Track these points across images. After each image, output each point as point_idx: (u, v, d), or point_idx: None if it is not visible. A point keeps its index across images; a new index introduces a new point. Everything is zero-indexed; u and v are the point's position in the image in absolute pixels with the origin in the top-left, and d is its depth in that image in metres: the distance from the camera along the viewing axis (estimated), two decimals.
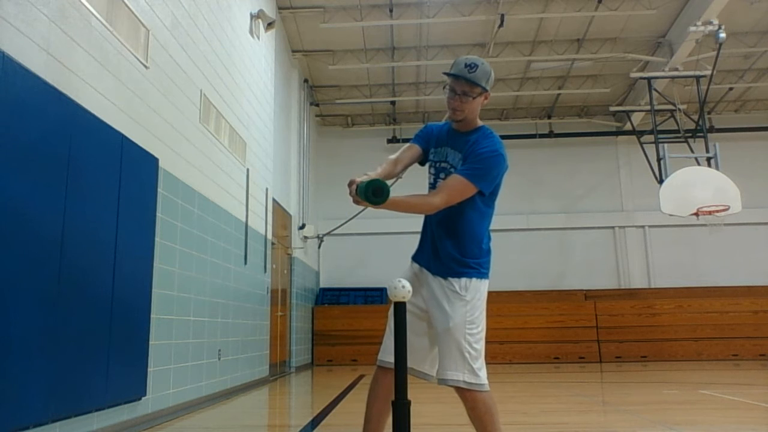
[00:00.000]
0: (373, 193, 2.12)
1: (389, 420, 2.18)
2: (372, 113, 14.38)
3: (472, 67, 2.38)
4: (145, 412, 4.52)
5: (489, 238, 2.52)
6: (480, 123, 2.53)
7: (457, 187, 2.37)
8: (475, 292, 2.41)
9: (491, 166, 2.41)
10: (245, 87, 7.64)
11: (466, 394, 2.35)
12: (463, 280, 2.41)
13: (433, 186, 2.58)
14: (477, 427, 2.39)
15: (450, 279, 2.42)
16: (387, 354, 2.45)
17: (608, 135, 14.27)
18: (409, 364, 2.34)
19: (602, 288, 13.39)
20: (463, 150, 2.46)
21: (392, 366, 2.37)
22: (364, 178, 2.19)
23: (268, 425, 5.07)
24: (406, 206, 2.35)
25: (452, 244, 2.44)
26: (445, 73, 2.47)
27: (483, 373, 2.37)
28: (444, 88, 2.49)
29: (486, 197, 2.46)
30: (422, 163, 2.65)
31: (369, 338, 11.55)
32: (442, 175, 2.52)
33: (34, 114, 3.27)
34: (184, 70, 5.54)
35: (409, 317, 2.35)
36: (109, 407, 3.99)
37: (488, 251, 2.50)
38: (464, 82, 2.39)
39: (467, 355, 2.35)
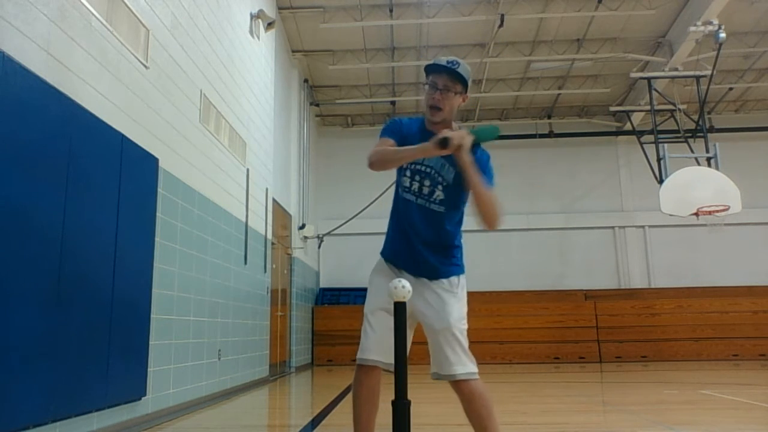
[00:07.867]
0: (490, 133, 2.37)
1: (381, 419, 2.18)
2: (372, 113, 14.38)
3: (454, 63, 2.39)
4: (145, 412, 4.52)
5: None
6: (456, 126, 2.45)
7: None
8: (463, 288, 2.52)
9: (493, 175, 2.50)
10: (245, 87, 7.64)
11: (463, 385, 2.39)
12: (453, 278, 2.50)
13: (410, 191, 2.46)
14: (476, 418, 2.39)
15: (440, 279, 2.48)
16: (367, 352, 2.46)
17: (608, 135, 14.27)
18: (388, 359, 2.36)
19: (602, 288, 13.38)
20: (451, 158, 2.34)
21: (374, 364, 2.45)
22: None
23: (268, 425, 5.07)
24: (488, 197, 2.33)
25: (439, 251, 2.50)
26: (426, 67, 2.46)
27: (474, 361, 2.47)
28: (423, 86, 2.48)
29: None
30: None
31: None
32: (426, 182, 2.43)
33: (34, 114, 3.26)
34: (184, 70, 5.54)
35: (386, 315, 2.38)
36: (109, 407, 3.99)
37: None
38: (446, 76, 2.38)
39: (464, 347, 2.43)
